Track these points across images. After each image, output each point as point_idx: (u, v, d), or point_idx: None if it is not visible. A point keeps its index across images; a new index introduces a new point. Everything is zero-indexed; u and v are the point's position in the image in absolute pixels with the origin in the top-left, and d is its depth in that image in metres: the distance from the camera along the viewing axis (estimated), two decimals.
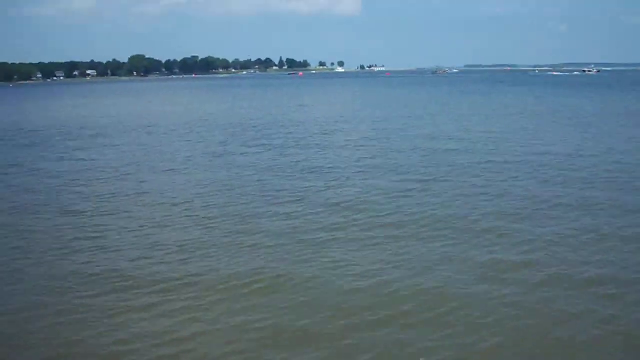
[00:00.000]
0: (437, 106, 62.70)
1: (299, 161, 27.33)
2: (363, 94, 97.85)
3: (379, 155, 28.39)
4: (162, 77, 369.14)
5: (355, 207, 18.43)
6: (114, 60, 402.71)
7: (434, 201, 18.97)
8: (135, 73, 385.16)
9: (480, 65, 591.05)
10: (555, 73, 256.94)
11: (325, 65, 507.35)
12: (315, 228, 16.41)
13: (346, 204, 18.83)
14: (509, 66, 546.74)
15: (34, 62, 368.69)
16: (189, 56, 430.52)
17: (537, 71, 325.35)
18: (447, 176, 22.95)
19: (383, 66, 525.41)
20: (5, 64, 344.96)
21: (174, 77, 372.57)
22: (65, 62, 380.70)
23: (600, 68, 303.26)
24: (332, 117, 50.56)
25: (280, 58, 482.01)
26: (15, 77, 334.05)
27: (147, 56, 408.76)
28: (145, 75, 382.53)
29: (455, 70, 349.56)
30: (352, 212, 17.80)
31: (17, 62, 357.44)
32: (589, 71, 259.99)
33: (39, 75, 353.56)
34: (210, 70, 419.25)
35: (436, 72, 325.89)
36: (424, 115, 50.33)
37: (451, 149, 30.10)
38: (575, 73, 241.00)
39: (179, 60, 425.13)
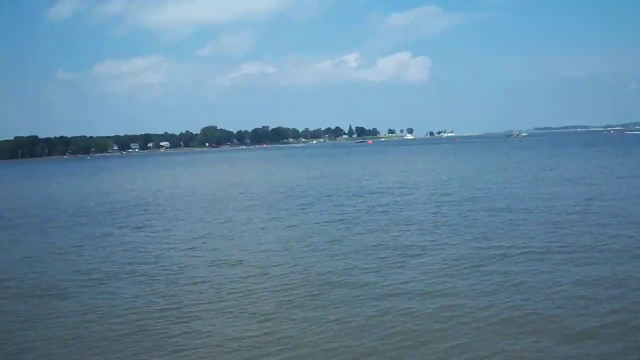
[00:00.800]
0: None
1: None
2: (449, 161, 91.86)
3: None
4: (234, 148, 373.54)
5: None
6: (187, 132, 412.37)
7: None
8: (207, 144, 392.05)
9: (550, 128, 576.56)
10: (628, 132, 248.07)
11: (394, 133, 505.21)
12: None
13: None
14: (580, 127, 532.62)
15: (110, 135, 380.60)
16: (259, 127, 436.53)
17: (612, 131, 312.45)
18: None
19: (452, 132, 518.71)
20: (83, 137, 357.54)
21: (245, 147, 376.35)
22: (140, 135, 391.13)
23: None
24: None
25: (350, 127, 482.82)
26: (93, 149, 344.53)
27: (218, 127, 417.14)
28: (217, 146, 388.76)
29: (524, 134, 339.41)
30: None
31: (95, 136, 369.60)
32: None
33: (115, 148, 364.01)
34: (281, 140, 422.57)
35: (510, 136, 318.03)
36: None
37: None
38: None
39: (250, 130, 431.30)
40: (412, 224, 26.39)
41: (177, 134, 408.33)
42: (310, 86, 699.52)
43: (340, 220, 28.92)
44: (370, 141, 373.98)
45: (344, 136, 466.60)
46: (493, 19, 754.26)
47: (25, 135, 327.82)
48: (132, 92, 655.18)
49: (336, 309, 14.54)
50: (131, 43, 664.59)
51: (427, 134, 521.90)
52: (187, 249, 23.39)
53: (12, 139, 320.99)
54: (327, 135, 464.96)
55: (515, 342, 11.81)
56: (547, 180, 44.76)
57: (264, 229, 27.88)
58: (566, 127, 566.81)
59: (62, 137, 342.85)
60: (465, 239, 22.25)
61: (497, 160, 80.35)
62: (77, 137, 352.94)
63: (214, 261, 20.73)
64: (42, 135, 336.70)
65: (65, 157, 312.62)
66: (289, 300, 15.53)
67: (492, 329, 12.62)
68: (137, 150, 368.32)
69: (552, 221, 25.10)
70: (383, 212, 31.24)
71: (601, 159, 70.73)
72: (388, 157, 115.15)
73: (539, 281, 15.93)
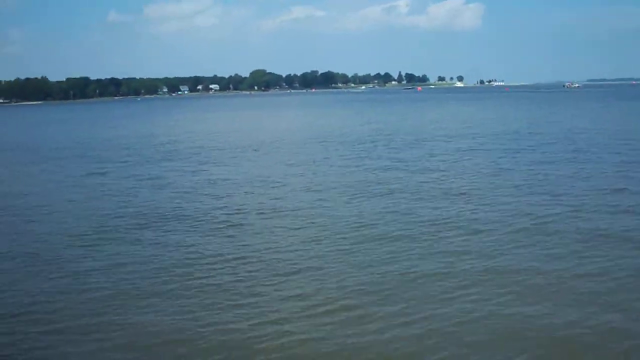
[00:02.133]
0: None
1: None
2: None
3: None
4: (282, 92, 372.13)
5: None
6: (236, 74, 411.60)
7: None
8: (256, 87, 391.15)
9: (604, 79, 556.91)
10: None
11: (444, 80, 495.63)
12: None
13: None
14: (634, 80, 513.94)
15: (159, 77, 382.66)
16: (308, 71, 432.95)
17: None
18: None
19: (503, 81, 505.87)
20: (133, 79, 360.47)
21: (293, 91, 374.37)
22: (189, 77, 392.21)
23: None
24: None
25: (399, 72, 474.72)
26: (143, 91, 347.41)
27: (267, 71, 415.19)
28: (265, 90, 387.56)
29: (576, 85, 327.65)
30: None
31: (145, 77, 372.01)
32: None
33: (165, 90, 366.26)
34: (330, 85, 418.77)
35: (563, 86, 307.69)
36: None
37: None
38: None
39: (298, 74, 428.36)
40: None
41: (226, 77, 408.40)
42: (360, 31, 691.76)
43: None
44: (420, 87, 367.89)
45: (393, 82, 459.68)
46: None
47: (77, 76, 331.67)
48: (182, 33, 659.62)
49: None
50: None
51: (477, 82, 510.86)
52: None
53: (64, 80, 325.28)
54: (375, 81, 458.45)
55: None
56: None
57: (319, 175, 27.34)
58: (621, 79, 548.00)
59: (112, 79, 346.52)
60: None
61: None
62: (127, 78, 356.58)
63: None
64: (93, 76, 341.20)
65: (116, 98, 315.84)
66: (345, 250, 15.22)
67: None
68: (186, 92, 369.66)
69: None
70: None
71: None
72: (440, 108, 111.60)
73: None
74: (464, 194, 21.88)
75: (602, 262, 13.59)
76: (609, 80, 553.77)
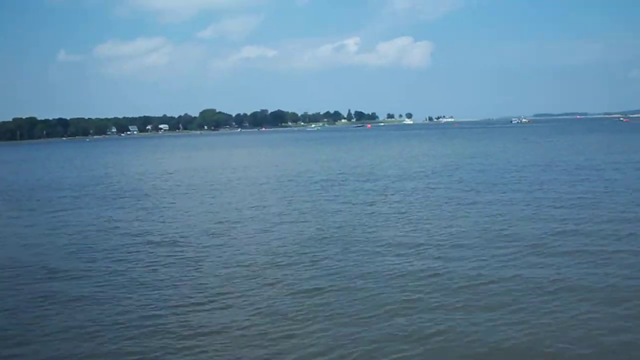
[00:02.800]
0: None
1: None
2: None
3: None
4: (232, 131, 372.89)
5: None
6: (186, 114, 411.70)
7: None
8: (205, 127, 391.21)
9: (550, 114, 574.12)
10: (625, 120, 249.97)
11: (393, 117, 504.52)
12: None
13: None
14: (579, 114, 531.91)
15: (109, 117, 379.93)
16: (258, 110, 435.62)
17: (621, 119, 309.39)
18: None
19: (451, 117, 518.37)
20: (82, 119, 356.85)
21: (244, 130, 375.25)
22: (139, 117, 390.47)
23: None
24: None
25: (349, 111, 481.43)
26: (91, 131, 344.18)
27: (217, 110, 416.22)
28: (215, 129, 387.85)
29: (524, 120, 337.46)
30: None
31: (94, 117, 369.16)
32: None
33: (114, 130, 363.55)
34: (279, 124, 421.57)
35: (511, 121, 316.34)
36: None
37: None
38: None
39: (248, 113, 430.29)
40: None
41: (176, 117, 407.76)
42: (310, 70, 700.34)
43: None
44: (369, 125, 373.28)
45: (343, 120, 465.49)
46: (495, 3, 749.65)
47: (24, 116, 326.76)
48: (132, 74, 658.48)
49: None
50: (132, 24, 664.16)
51: (425, 119, 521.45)
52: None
53: (11, 120, 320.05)
54: (325, 119, 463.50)
55: None
56: None
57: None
58: (566, 114, 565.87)
59: (60, 119, 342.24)
60: None
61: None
62: (75, 118, 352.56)
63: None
64: (41, 116, 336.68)
65: (64, 138, 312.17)
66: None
67: None
68: (135, 132, 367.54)
69: None
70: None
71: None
72: (392, 143, 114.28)
73: None
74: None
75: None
76: (554, 115, 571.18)
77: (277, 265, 17.88)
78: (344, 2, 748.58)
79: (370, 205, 29.17)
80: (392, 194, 33.16)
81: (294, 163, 63.80)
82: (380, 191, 34.70)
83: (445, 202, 28.88)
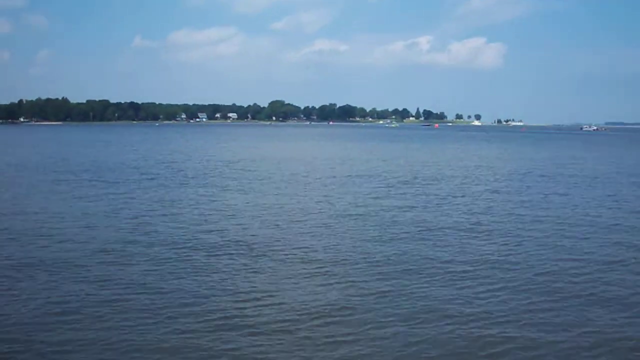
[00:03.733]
0: None
1: None
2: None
3: None
4: (301, 123, 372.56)
5: None
6: (255, 104, 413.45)
7: None
8: (274, 117, 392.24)
9: (622, 123, 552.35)
10: None
11: (461, 118, 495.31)
12: None
13: None
14: None
15: (179, 103, 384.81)
16: (326, 103, 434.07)
17: None
18: None
19: (521, 121, 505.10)
20: (152, 104, 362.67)
21: (313, 123, 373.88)
22: (208, 105, 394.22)
23: None
24: None
25: (417, 109, 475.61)
26: (161, 116, 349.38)
27: (286, 102, 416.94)
28: (283, 120, 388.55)
29: (594, 127, 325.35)
30: None
31: (164, 103, 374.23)
32: None
33: (183, 116, 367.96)
34: (347, 118, 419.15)
35: (582, 128, 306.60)
36: None
37: None
38: None
39: (317, 106, 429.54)
40: None
41: (245, 106, 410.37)
42: (380, 66, 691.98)
43: None
44: (437, 125, 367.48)
45: (411, 118, 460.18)
46: (568, 8, 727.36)
47: (97, 99, 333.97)
48: (204, 61, 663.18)
49: None
50: (207, 13, 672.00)
51: (494, 121, 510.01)
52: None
53: (84, 102, 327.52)
54: (393, 116, 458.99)
55: None
56: None
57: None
58: (639, 123, 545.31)
59: (132, 103, 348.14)
60: None
61: None
62: (146, 103, 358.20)
63: None
64: (113, 99, 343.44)
65: (134, 122, 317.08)
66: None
67: None
68: (204, 119, 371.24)
69: None
70: None
71: None
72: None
73: None
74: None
75: None
76: (627, 123, 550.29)
77: None
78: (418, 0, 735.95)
79: None
80: None
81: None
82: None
83: None
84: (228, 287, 14.38)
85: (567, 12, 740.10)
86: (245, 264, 16.56)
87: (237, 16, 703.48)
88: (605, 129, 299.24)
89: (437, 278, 15.26)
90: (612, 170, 48.98)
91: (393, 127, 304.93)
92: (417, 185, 36.11)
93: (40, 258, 16.86)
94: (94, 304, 13.06)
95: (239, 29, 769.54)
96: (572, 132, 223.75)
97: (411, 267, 16.24)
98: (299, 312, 12.70)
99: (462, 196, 31.15)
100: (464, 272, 15.81)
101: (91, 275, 15.37)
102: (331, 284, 14.77)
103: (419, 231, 21.30)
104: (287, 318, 12.34)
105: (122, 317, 12.27)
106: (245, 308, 12.96)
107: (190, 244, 18.86)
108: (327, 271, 15.92)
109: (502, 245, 19.26)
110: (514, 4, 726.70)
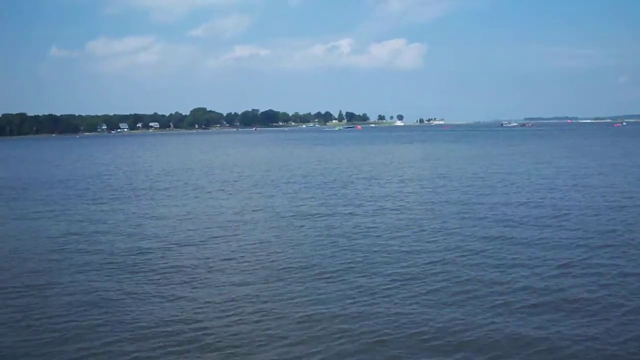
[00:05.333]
0: None
1: None
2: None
3: None
4: (223, 130, 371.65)
5: None
6: (177, 112, 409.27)
7: None
8: (196, 125, 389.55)
9: (540, 118, 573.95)
10: (616, 125, 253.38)
11: (384, 119, 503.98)
12: None
13: None
14: (570, 119, 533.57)
15: (99, 114, 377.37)
16: (249, 109, 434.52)
17: (624, 123, 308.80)
18: None
19: (442, 119, 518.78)
20: (72, 115, 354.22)
21: (234, 129, 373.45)
22: (129, 115, 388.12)
23: None
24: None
25: (340, 111, 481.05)
26: (82, 128, 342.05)
27: (208, 109, 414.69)
28: (206, 128, 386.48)
29: (514, 124, 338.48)
30: None
31: (84, 114, 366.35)
32: None
33: (104, 127, 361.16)
34: (270, 124, 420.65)
35: (502, 124, 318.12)
36: None
37: None
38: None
39: (239, 113, 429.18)
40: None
41: (167, 115, 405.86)
42: (302, 70, 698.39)
43: None
44: (360, 126, 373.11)
45: (334, 121, 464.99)
46: (488, 5, 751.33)
47: (14, 112, 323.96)
48: (124, 71, 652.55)
49: None
50: (124, 22, 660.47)
51: (416, 121, 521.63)
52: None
53: (0, 115, 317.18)
54: (316, 120, 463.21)
55: None
56: None
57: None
58: (557, 118, 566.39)
59: (50, 115, 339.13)
60: None
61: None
62: (66, 115, 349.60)
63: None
64: (31, 112, 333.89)
65: (54, 135, 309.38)
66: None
67: None
68: (125, 129, 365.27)
69: None
70: None
71: None
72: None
73: None
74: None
75: None
76: (545, 118, 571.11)
77: None
78: (337, 2, 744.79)
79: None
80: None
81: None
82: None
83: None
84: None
85: (486, 12, 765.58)
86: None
87: (155, 24, 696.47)
88: (531, 125, 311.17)
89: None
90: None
91: (337, 130, 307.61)
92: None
93: None
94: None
95: (157, 38, 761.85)
96: (492, 129, 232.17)
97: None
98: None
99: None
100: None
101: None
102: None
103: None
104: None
105: None
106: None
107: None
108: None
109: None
110: (432, 5, 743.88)
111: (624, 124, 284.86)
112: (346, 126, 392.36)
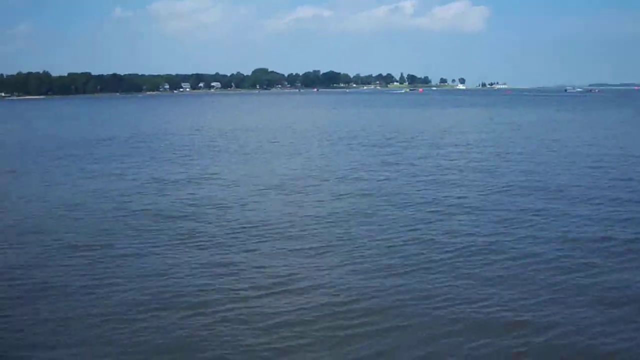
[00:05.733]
0: None
1: None
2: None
3: None
4: (284, 91, 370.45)
5: None
6: (238, 73, 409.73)
7: None
8: (257, 86, 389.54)
9: (606, 84, 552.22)
10: None
11: (446, 82, 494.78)
12: None
13: None
14: (637, 85, 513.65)
15: (161, 73, 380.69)
16: (310, 70, 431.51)
17: None
18: None
19: (505, 84, 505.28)
20: (135, 75, 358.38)
21: (300, 90, 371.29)
22: (191, 74, 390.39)
23: None
24: None
25: (401, 74, 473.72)
26: (145, 87, 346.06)
27: (269, 70, 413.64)
28: (267, 88, 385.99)
29: (579, 89, 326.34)
30: None
31: (147, 74, 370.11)
32: None
33: (166, 87, 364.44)
34: (331, 85, 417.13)
35: (566, 90, 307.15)
36: None
37: None
38: None
39: (300, 74, 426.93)
40: None
41: (228, 75, 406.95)
42: (364, 31, 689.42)
43: None
44: (421, 89, 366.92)
45: (395, 83, 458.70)
46: None
47: (79, 71, 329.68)
48: (184, 31, 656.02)
49: None
50: None
51: (479, 85, 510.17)
52: None
53: (66, 75, 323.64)
54: (377, 82, 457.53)
55: None
56: None
57: None
58: (623, 84, 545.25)
59: (114, 74, 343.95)
60: None
61: None
62: (129, 74, 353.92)
63: None
64: (95, 72, 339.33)
65: (117, 94, 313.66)
66: None
67: None
68: (187, 89, 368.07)
69: None
70: None
71: None
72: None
73: None
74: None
75: None
76: (611, 85, 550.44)
77: None
78: None
79: None
80: None
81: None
82: None
83: None
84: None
85: None
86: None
87: None
88: (598, 91, 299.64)
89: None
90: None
91: (402, 92, 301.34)
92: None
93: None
94: None
95: None
96: (556, 94, 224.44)
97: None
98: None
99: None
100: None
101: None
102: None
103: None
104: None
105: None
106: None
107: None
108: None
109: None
110: None
111: None
112: (410, 88, 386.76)
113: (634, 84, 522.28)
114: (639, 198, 20.94)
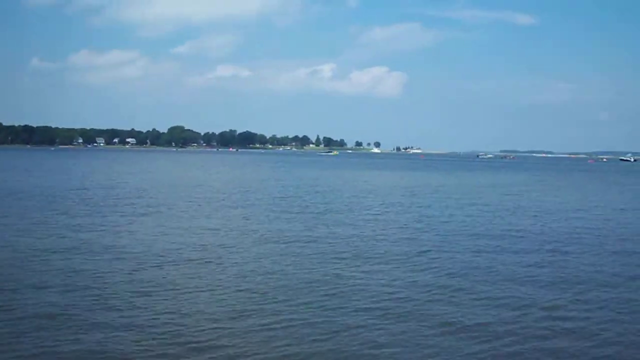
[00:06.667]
0: None
1: None
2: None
3: None
4: (199, 150, 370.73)
5: None
6: (154, 129, 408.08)
7: None
8: (173, 143, 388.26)
9: (516, 151, 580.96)
10: (590, 161, 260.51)
11: (361, 145, 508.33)
12: None
13: None
14: (545, 152, 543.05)
15: (75, 127, 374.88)
16: (226, 130, 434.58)
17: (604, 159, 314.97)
18: None
19: (419, 148, 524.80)
20: (48, 127, 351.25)
21: (218, 150, 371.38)
22: (106, 129, 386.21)
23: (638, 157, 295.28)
24: None
25: (317, 136, 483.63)
26: (57, 140, 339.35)
27: (185, 127, 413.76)
28: (183, 146, 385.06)
29: (490, 156, 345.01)
30: None
31: (60, 127, 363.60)
32: (626, 159, 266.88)
33: (80, 140, 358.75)
34: (247, 145, 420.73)
35: (478, 156, 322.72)
36: None
37: None
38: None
39: (217, 133, 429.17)
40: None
41: (144, 131, 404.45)
42: (283, 93, 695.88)
43: None
44: (336, 152, 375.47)
45: (311, 145, 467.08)
46: (469, 40, 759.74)
47: None
48: (104, 85, 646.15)
49: None
50: (108, 36, 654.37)
51: (393, 149, 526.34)
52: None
53: None
54: (294, 143, 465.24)
55: None
56: None
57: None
58: (532, 151, 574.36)
59: (26, 126, 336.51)
60: None
61: None
62: (42, 126, 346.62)
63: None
64: (6, 122, 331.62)
65: (28, 146, 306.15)
66: None
67: None
68: (102, 144, 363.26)
69: None
70: None
71: None
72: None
73: None
74: None
75: None
76: (520, 152, 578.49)
77: None
78: (323, 27, 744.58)
79: None
80: None
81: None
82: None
83: None
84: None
85: (468, 44, 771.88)
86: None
87: (139, 40, 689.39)
88: (513, 157, 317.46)
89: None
90: None
91: (332, 155, 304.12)
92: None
93: None
94: None
95: (140, 53, 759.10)
96: (467, 161, 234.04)
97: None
98: None
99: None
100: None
101: None
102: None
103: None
104: None
105: None
106: None
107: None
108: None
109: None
110: (416, 35, 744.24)
111: (605, 160, 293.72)
112: (324, 151, 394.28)
113: (541, 151, 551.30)
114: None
